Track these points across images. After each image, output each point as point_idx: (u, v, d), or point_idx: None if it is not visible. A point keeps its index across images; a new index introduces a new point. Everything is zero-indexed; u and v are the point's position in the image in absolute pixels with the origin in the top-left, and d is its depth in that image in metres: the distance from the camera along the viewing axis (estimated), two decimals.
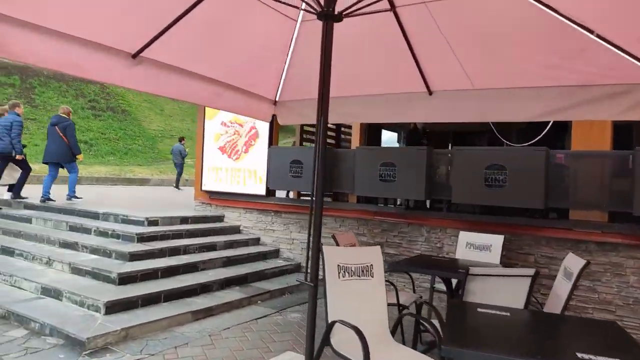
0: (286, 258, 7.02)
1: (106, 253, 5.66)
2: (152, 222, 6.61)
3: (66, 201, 8.06)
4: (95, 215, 7.09)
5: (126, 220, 6.73)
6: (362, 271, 3.10)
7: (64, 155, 8.12)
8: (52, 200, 7.96)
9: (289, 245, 7.05)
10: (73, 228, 6.71)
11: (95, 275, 5.09)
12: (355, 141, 6.59)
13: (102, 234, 6.35)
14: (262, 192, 7.26)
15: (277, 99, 5.47)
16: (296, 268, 6.83)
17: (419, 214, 5.93)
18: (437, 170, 5.61)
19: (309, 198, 7.46)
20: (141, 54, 3.74)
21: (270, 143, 7.26)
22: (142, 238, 6.05)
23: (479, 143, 8.72)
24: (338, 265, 3.04)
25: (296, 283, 6.15)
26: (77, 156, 8.29)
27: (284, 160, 6.74)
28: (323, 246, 3.07)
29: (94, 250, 5.79)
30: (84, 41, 3.29)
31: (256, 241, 7.31)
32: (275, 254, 7.08)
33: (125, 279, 4.98)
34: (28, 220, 7.30)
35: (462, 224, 5.56)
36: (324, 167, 3.03)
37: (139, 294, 4.69)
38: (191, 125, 32.76)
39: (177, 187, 15.77)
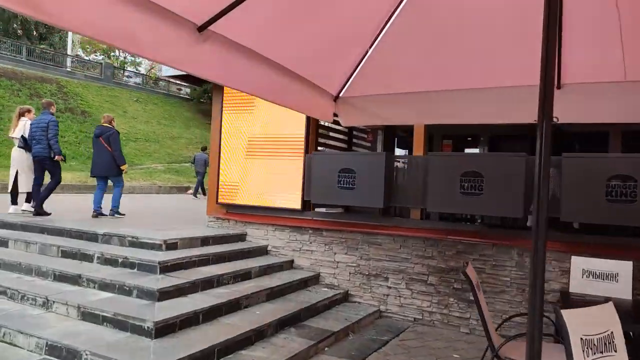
0: (330, 285, 5.89)
1: (124, 290, 4.36)
2: (171, 246, 5.34)
3: (109, 217, 7.50)
4: (92, 237, 5.71)
5: (136, 244, 5.40)
6: (605, 344, 2.07)
7: (111, 167, 7.56)
8: (104, 215, 7.55)
9: (332, 269, 5.92)
10: (67, 254, 5.33)
11: (120, 323, 3.80)
12: (418, 147, 5.56)
13: (110, 262, 5.01)
14: (297, 205, 6.11)
15: (340, 95, 4.40)
16: (345, 297, 5.71)
17: (508, 233, 4.97)
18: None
19: (329, 211, 6.39)
20: (209, 27, 2.61)
21: (307, 149, 6.12)
22: (165, 267, 4.78)
23: None
24: (581, 338, 1.99)
25: (356, 317, 5.04)
26: (122, 167, 7.65)
27: (330, 169, 5.62)
28: (562, 311, 2.00)
29: (106, 286, 4.47)
30: (142, 3, 2.15)
31: (289, 264, 6.13)
32: (315, 280, 5.93)
33: (162, 329, 3.72)
34: (3, 243, 5.83)
35: (566, 246, 4.64)
36: (547, 186, 1.98)
37: (188, 354, 3.45)
38: (157, 127, 30.84)
39: (195, 195, 16.55)
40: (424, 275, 5.35)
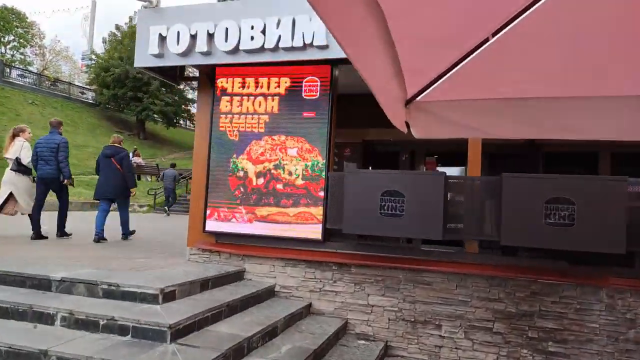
0: (363, 334, 4.73)
1: None
2: (168, 296, 3.85)
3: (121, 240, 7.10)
4: (45, 283, 4.01)
5: (115, 294, 3.84)
6: None
7: (122, 189, 7.10)
8: (105, 240, 6.89)
9: (364, 314, 4.77)
10: (9, 313, 3.62)
11: None
12: (474, 166, 4.66)
13: (85, 325, 3.43)
14: (316, 235, 4.89)
15: (417, 99, 3.36)
16: (385, 351, 4.58)
17: (596, 270, 4.20)
18: None
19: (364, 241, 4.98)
20: None
21: (328, 166, 4.95)
22: (177, 332, 3.33)
23: None
24: None
25: None
26: (132, 190, 7.24)
27: (369, 191, 4.51)
28: None
29: None
30: None
31: (307, 309, 4.88)
32: (343, 329, 4.74)
33: None
34: None
35: None
36: None
37: None
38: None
39: (167, 213, 16.06)
40: (488, 322, 4.41)
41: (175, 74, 5.78)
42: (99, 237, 6.77)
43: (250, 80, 5.20)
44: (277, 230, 5.03)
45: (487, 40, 2.78)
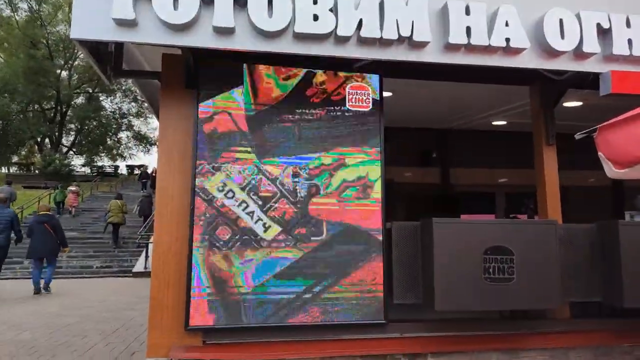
0: None
1: None
2: None
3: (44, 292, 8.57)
4: None
5: None
6: None
7: (54, 250, 8.68)
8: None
9: None
10: None
11: None
12: (553, 210, 3.80)
13: None
14: (378, 316, 3.33)
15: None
16: None
17: None
18: None
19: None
20: None
21: (386, 209, 3.50)
22: None
23: None
24: None
25: None
26: (65, 249, 9.11)
27: (468, 249, 3.26)
28: None
29: None
30: None
31: None
32: None
33: None
34: None
35: None
36: None
37: None
38: None
39: None
40: None
41: (110, 63, 3.46)
42: (39, 289, 8.52)
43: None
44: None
45: None
